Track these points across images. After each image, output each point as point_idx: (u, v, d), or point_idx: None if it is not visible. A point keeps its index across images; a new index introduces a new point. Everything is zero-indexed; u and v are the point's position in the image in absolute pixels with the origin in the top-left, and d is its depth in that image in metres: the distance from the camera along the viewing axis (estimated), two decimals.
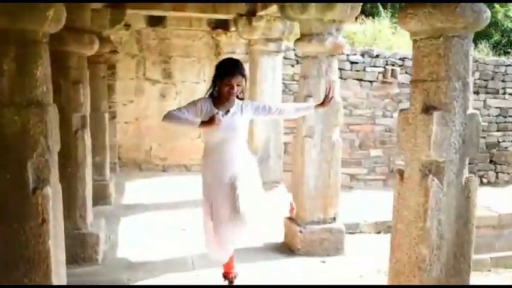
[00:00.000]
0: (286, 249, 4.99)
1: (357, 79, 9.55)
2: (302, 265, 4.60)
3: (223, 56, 8.80)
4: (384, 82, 9.88)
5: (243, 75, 3.54)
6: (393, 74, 9.90)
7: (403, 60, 9.94)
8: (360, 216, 6.30)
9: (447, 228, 2.87)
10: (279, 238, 5.19)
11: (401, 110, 3.07)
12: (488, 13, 2.84)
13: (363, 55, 9.70)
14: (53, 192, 2.52)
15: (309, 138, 4.80)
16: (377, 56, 9.86)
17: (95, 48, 4.53)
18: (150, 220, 5.90)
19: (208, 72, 9.26)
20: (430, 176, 2.81)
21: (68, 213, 4.29)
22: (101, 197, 6.42)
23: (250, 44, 6.84)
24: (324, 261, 4.69)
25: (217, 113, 3.36)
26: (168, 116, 3.38)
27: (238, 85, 3.47)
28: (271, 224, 3.84)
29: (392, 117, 9.84)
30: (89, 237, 4.42)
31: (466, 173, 2.91)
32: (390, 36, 12.22)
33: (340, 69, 9.47)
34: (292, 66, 8.80)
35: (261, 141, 6.86)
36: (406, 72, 9.91)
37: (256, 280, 4.09)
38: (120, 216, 6.00)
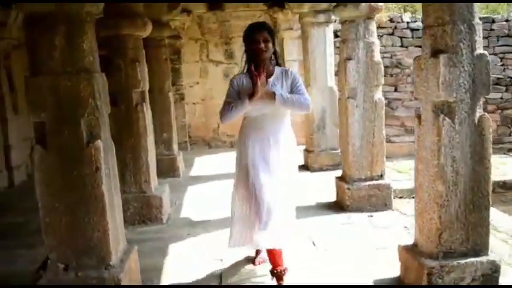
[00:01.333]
0: (337, 206, 5.27)
1: (419, 46, 9.46)
2: (350, 219, 4.87)
3: (282, 33, 9.14)
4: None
5: (270, 32, 3.28)
6: None
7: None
8: None
9: (462, 165, 3.04)
10: (332, 197, 5.48)
11: (415, 58, 3.26)
12: None
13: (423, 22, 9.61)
14: (105, 147, 2.97)
15: (352, 100, 5.02)
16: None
17: (148, 30, 4.99)
18: (212, 188, 6.36)
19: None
20: (441, 115, 2.99)
21: (134, 178, 4.89)
22: (170, 169, 7.02)
23: (301, 18, 7.09)
24: (371, 215, 4.92)
25: (254, 73, 3.13)
26: (223, 116, 3.26)
27: (265, 41, 3.21)
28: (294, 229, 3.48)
29: None
30: (153, 199, 4.95)
31: (479, 112, 3.05)
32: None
33: (401, 37, 9.50)
34: None
35: (317, 110, 7.10)
36: None
37: (309, 233, 4.41)
38: (187, 185, 6.53)
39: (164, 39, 7.14)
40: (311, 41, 7.02)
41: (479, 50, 2.99)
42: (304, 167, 7.36)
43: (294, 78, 3.33)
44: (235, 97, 3.25)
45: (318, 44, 6.97)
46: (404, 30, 9.49)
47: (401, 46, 9.51)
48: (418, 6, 11.00)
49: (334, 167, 6.84)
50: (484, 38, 9.52)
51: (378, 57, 5.00)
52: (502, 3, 11.05)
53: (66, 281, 2.93)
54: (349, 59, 4.98)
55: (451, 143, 3.01)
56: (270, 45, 3.25)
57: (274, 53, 3.35)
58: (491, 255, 3.15)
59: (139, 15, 4.84)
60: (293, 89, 3.30)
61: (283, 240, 3.28)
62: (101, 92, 3.00)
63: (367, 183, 5.09)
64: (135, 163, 4.89)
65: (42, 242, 3.00)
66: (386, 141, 9.23)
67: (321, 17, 6.83)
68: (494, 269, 3.11)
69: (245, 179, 3.32)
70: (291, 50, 9.25)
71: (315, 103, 6.99)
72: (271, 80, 3.27)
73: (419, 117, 3.24)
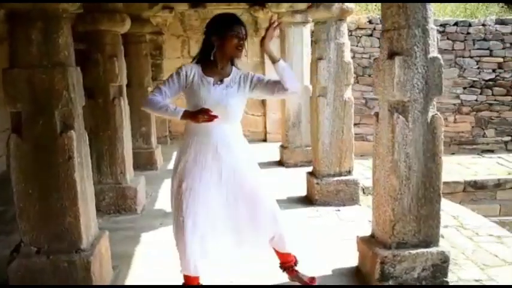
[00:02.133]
0: (307, 200, 5.49)
1: None
2: (318, 213, 5.08)
3: (262, 32, 9.28)
4: None
5: (246, 31, 2.96)
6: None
7: (444, 27, 9.98)
8: None
9: (415, 161, 3.24)
10: (303, 192, 5.69)
11: (374, 59, 3.46)
12: None
13: None
14: (78, 137, 3.12)
15: (322, 98, 5.22)
16: None
17: (126, 26, 5.14)
18: None
19: (249, 47, 9.72)
20: (396, 114, 3.20)
21: (110, 169, 5.05)
22: (147, 163, 7.19)
23: (279, 17, 7.26)
24: (338, 210, 5.14)
25: (205, 112, 2.72)
26: (147, 104, 2.91)
27: (244, 39, 2.92)
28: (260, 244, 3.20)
29: None
30: (127, 190, 5.12)
31: (432, 112, 3.26)
32: (435, 4, 12.16)
33: (380, 38, 9.73)
34: None
35: (293, 108, 7.30)
36: (448, 39, 9.98)
37: None
38: (163, 178, 6.66)
39: (145, 35, 7.28)
40: (288, 41, 7.21)
41: (433, 54, 3.20)
42: (279, 163, 7.58)
43: (255, 77, 3.01)
44: (174, 91, 2.90)
45: (295, 43, 7.16)
46: None
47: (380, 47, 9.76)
48: None
49: (309, 163, 6.97)
50: (460, 41, 9.86)
51: (348, 57, 5.21)
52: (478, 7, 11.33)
53: (38, 263, 3.08)
54: (320, 58, 5.18)
55: (405, 140, 3.21)
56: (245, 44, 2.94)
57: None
58: (442, 247, 3.36)
59: (117, 11, 4.98)
60: (263, 84, 2.99)
61: (283, 243, 3.25)
62: (75, 85, 3.15)
63: (336, 178, 5.30)
64: (112, 155, 5.05)
65: (18, 230, 3.14)
66: (363, 140, 9.57)
67: (298, 17, 7.02)
68: (444, 259, 3.32)
69: (195, 184, 2.92)
70: (271, 49, 9.40)
71: (291, 101, 7.22)
72: (227, 80, 2.92)
73: (377, 115, 3.45)
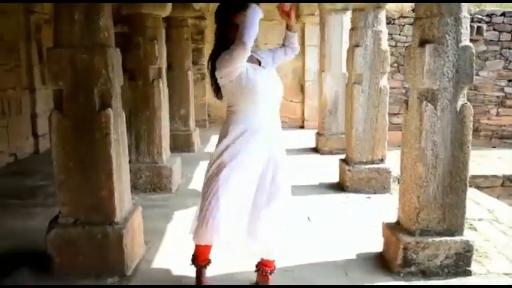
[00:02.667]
0: (338, 187, 5.54)
1: None
2: (348, 199, 5.13)
3: (304, 19, 9.32)
4: (469, 40, 9.76)
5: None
6: (479, 31, 9.76)
7: (490, 17, 9.76)
8: None
9: (442, 149, 3.26)
10: (335, 179, 5.74)
11: (406, 47, 3.47)
12: None
13: None
14: (115, 115, 3.27)
15: (357, 85, 5.24)
16: None
17: (167, 10, 5.27)
18: None
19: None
20: (424, 101, 3.22)
21: (148, 149, 5.24)
22: (185, 145, 7.39)
23: (319, 4, 7.29)
24: (369, 197, 5.17)
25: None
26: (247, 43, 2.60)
27: None
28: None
29: (478, 75, 9.78)
30: (163, 169, 5.30)
31: (462, 101, 3.26)
32: None
33: None
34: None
35: (330, 95, 7.33)
36: (495, 29, 9.74)
37: (306, 209, 4.70)
38: (200, 160, 6.84)
39: (186, 19, 7.43)
40: (328, 28, 7.23)
41: (465, 42, 3.20)
42: (314, 150, 7.64)
43: (272, 51, 3.01)
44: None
45: (335, 30, 7.17)
46: None
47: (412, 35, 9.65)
48: None
49: (344, 150, 6.99)
50: (507, 32, 9.75)
51: (385, 45, 5.20)
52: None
53: (74, 234, 3.27)
54: (357, 46, 5.20)
55: (433, 128, 3.23)
56: None
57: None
58: (466, 236, 3.37)
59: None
60: (278, 53, 3.03)
61: (271, 250, 3.03)
62: (114, 65, 3.29)
63: (368, 166, 5.33)
64: (149, 135, 5.23)
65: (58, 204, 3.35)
66: (399, 129, 9.49)
67: (339, 5, 7.01)
68: (468, 248, 3.34)
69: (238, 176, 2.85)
70: (311, 36, 9.45)
71: (328, 88, 7.26)
72: (264, 62, 2.90)
73: (406, 102, 3.47)
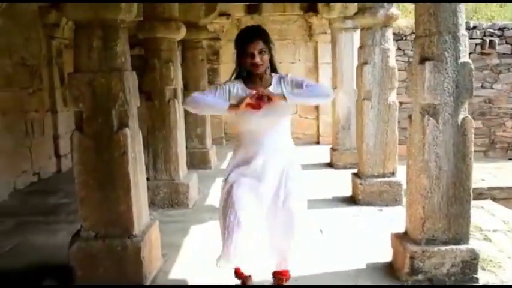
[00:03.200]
0: (351, 200, 5.67)
1: None
2: (360, 212, 5.25)
3: (316, 37, 9.53)
4: (482, 53, 9.87)
5: (266, 41, 2.89)
6: (492, 45, 9.85)
7: (503, 31, 9.85)
8: None
9: (445, 161, 3.38)
10: (348, 193, 5.87)
11: (408, 64, 3.62)
12: None
13: None
14: (132, 134, 3.47)
15: (367, 101, 5.39)
16: (474, 27, 9.87)
17: (182, 34, 5.51)
18: None
19: (303, 52, 10.06)
20: (426, 116, 3.35)
21: (165, 167, 5.44)
22: (202, 162, 7.61)
23: (330, 23, 7.49)
24: (381, 210, 5.29)
25: (249, 94, 2.80)
26: (189, 100, 2.93)
27: (261, 52, 2.84)
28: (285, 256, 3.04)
29: (492, 88, 9.86)
30: (180, 186, 5.50)
31: (463, 114, 3.39)
32: (495, 8, 11.97)
33: None
34: None
35: (343, 111, 7.49)
36: (507, 43, 9.83)
37: (319, 222, 4.84)
38: (216, 177, 7.02)
39: (201, 41, 7.69)
40: (339, 46, 7.42)
41: (464, 59, 3.33)
42: (328, 165, 7.78)
43: (294, 79, 2.98)
44: (220, 96, 2.92)
45: (346, 48, 7.35)
46: None
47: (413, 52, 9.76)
48: None
49: (357, 165, 7.18)
50: None
51: (392, 62, 5.35)
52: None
53: (95, 247, 3.46)
54: (365, 63, 5.36)
55: (435, 141, 3.36)
56: (266, 56, 2.89)
57: (271, 59, 2.96)
58: (472, 244, 3.48)
59: (173, 20, 5.36)
60: (296, 92, 2.94)
61: (287, 260, 3.07)
62: (131, 87, 3.50)
63: (379, 179, 5.45)
64: (166, 153, 5.44)
65: (79, 220, 3.54)
66: None
67: (349, 23, 7.20)
68: (474, 256, 3.43)
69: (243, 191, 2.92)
70: (324, 53, 9.64)
71: (341, 105, 7.42)
72: (270, 88, 2.92)
73: (410, 117, 3.61)
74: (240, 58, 2.93)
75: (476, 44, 9.80)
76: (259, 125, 2.88)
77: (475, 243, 3.60)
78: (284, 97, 2.81)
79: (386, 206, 5.36)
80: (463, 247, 3.43)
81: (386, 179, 5.44)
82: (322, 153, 8.48)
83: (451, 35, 3.29)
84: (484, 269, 3.65)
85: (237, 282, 3.22)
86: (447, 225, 3.44)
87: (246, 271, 3.08)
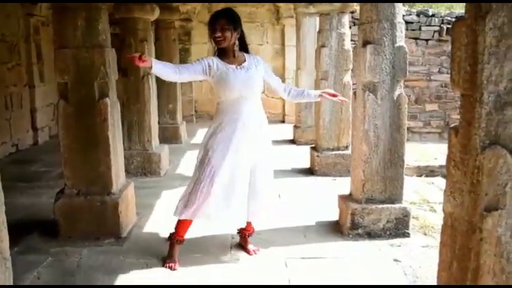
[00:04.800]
0: (308, 172, 6.25)
1: (413, 38, 10.18)
2: (316, 181, 5.83)
3: (283, 21, 10.01)
4: (439, 40, 10.47)
5: (230, 20, 3.28)
6: (449, 32, 10.45)
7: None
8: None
9: (382, 131, 3.95)
10: (307, 165, 6.44)
11: (353, 48, 4.17)
12: None
13: (418, 15, 10.35)
14: (112, 104, 3.93)
15: (324, 81, 5.95)
16: (432, 15, 10.44)
17: (156, 15, 5.95)
18: None
19: (271, 34, 10.55)
20: (367, 92, 3.91)
21: (139, 138, 5.90)
22: (173, 137, 8.07)
23: (295, 8, 7.98)
24: (334, 179, 5.87)
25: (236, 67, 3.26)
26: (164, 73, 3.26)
27: (222, 30, 3.24)
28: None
29: (448, 73, 10.47)
30: (153, 155, 5.99)
31: (398, 91, 3.95)
32: None
33: None
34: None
35: None
36: None
37: (278, 189, 5.30)
38: (186, 150, 7.53)
39: (174, 22, 8.11)
40: (303, 30, 7.93)
41: (400, 43, 3.88)
42: (291, 141, 8.34)
43: (265, 66, 3.50)
44: (193, 69, 3.29)
45: (309, 32, 7.86)
46: None
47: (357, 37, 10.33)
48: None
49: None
50: None
51: (348, 45, 5.91)
52: None
53: (77, 202, 3.94)
54: (323, 46, 5.90)
55: (374, 114, 3.92)
56: (229, 33, 3.27)
57: (241, 39, 3.40)
58: (404, 204, 4.07)
59: (148, 1, 5.78)
60: (266, 75, 3.47)
61: (255, 218, 3.60)
62: (111, 62, 3.96)
63: (334, 152, 6.04)
64: (140, 125, 5.91)
65: (60, 185, 4.01)
66: None
67: (312, 9, 7.67)
68: (405, 213, 4.03)
69: (222, 156, 3.31)
70: (291, 36, 10.13)
71: (304, 85, 7.90)
72: (245, 64, 3.35)
73: (355, 93, 4.16)
74: (210, 37, 3.37)
75: (434, 31, 10.36)
76: (239, 94, 3.30)
77: (421, 212, 4.20)
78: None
79: (340, 176, 5.94)
80: (396, 206, 4.02)
81: (340, 152, 6.03)
82: (287, 131, 9.03)
83: (389, 22, 3.83)
84: (425, 234, 4.18)
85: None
86: (383, 187, 4.02)
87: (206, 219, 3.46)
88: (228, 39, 3.30)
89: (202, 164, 3.37)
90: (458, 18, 2.06)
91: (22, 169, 6.43)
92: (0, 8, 7.19)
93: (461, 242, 1.98)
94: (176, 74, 3.24)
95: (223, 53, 3.37)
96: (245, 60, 3.38)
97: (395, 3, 3.85)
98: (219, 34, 3.26)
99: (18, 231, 4.09)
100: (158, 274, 3.39)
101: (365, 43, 3.90)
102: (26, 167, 6.54)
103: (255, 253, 3.75)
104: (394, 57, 3.87)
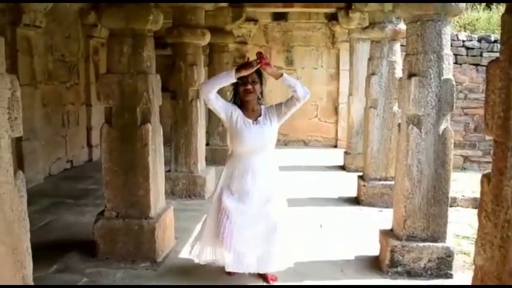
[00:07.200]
0: (354, 201, 6.09)
1: (473, 64, 9.83)
2: (361, 211, 5.69)
3: (339, 45, 9.94)
4: None
5: (259, 74, 3.45)
6: None
7: None
8: (459, 192, 6.69)
9: (426, 166, 3.80)
10: (354, 193, 6.30)
11: (399, 79, 4.06)
12: (461, 4, 3.70)
13: (479, 41, 9.99)
14: (153, 129, 3.99)
15: (373, 109, 5.82)
16: (495, 41, 10.06)
17: (207, 39, 6.03)
18: None
19: (326, 58, 10.50)
20: (411, 125, 3.78)
21: (185, 160, 5.96)
22: (222, 158, 8.02)
23: (349, 33, 7.91)
24: (381, 211, 5.69)
25: (250, 62, 3.32)
26: (205, 82, 3.79)
27: (254, 82, 3.40)
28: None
29: None
30: (198, 178, 6.04)
31: (444, 125, 3.80)
32: None
33: (455, 54, 9.98)
34: None
35: (357, 117, 7.89)
36: None
37: (320, 218, 5.34)
38: None
39: (227, 45, 8.21)
40: (356, 55, 7.83)
41: (447, 76, 3.74)
42: (341, 168, 8.20)
43: (274, 106, 3.54)
44: (221, 103, 3.44)
45: (362, 57, 7.71)
46: (459, 48, 9.95)
47: (456, 63, 9.97)
48: (477, 25, 11.40)
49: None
50: None
51: (398, 74, 5.73)
52: None
53: (116, 225, 4.00)
54: (373, 74, 5.79)
55: (417, 148, 3.78)
56: (258, 86, 3.45)
57: (260, 93, 3.55)
58: (448, 243, 3.88)
59: (199, 27, 5.88)
60: (282, 105, 3.50)
61: (266, 265, 3.56)
62: (154, 88, 4.03)
63: (381, 182, 5.87)
64: (187, 148, 5.99)
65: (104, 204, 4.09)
66: None
67: (364, 35, 7.57)
68: (449, 254, 3.84)
69: (218, 205, 3.54)
70: (346, 61, 9.99)
71: (355, 111, 7.83)
72: (260, 119, 3.44)
73: (399, 126, 4.04)
74: (236, 86, 3.50)
75: (496, 58, 9.98)
76: (252, 149, 3.45)
77: (473, 248, 3.96)
78: (281, 74, 3.42)
79: (387, 207, 5.72)
80: (439, 245, 3.84)
81: (388, 182, 5.83)
82: (338, 156, 8.89)
83: (435, 54, 3.71)
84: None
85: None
86: (426, 224, 3.86)
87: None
88: (257, 91, 3.48)
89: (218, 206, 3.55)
90: (493, 60, 1.95)
91: (73, 186, 6.66)
92: (61, 30, 7.53)
93: None
94: (213, 95, 3.37)
95: (243, 105, 3.50)
96: (261, 115, 3.48)
97: (442, 34, 3.71)
98: (250, 87, 3.40)
99: (58, 249, 4.22)
100: None
101: (410, 75, 3.78)
102: (77, 184, 6.77)
103: (273, 281, 3.68)
104: (441, 90, 3.73)
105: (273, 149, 3.61)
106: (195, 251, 3.70)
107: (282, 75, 3.44)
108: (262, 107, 3.55)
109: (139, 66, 3.95)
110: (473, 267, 3.97)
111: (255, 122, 3.44)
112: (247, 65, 3.34)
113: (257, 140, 3.43)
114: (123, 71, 3.93)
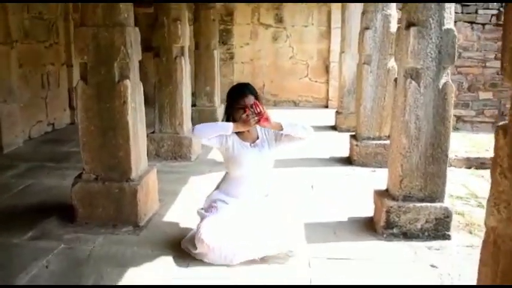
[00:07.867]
0: (347, 161, 5.90)
1: (468, 21, 9.55)
2: (354, 171, 5.49)
3: (330, 4, 9.60)
4: (497, 25, 9.76)
5: (256, 97, 3.26)
6: None
7: None
8: (453, 152, 6.36)
9: (425, 123, 3.57)
10: (346, 153, 6.09)
11: (396, 30, 3.78)
12: None
13: None
14: (133, 86, 3.71)
15: (366, 65, 5.55)
16: None
17: None
18: None
19: (317, 16, 10.14)
20: (409, 79, 3.53)
21: (170, 121, 5.70)
22: (210, 119, 7.76)
23: None
24: (374, 171, 5.50)
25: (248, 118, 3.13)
26: (198, 127, 3.25)
27: (253, 106, 3.16)
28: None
29: None
30: (184, 139, 5.79)
31: (445, 79, 3.55)
32: None
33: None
34: None
35: (349, 76, 7.63)
36: None
37: (312, 179, 5.14)
38: None
39: (213, 2, 7.82)
40: (348, 11, 7.52)
41: (448, 26, 3.47)
42: (333, 128, 7.98)
43: (275, 131, 3.34)
44: (214, 139, 3.28)
45: (354, 14, 7.40)
46: (454, 4, 9.65)
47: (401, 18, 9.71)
48: None
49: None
50: None
51: (394, 28, 5.45)
52: None
53: (95, 188, 3.77)
54: (367, 28, 5.49)
55: (416, 103, 3.54)
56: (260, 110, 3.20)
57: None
58: (445, 203, 3.69)
59: None
60: (278, 137, 3.36)
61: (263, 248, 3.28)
62: (133, 42, 3.72)
63: (375, 142, 5.66)
64: (172, 108, 5.71)
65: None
66: None
67: None
68: (447, 214, 3.65)
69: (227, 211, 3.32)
70: (337, 19, 9.67)
71: (347, 69, 7.56)
72: (258, 142, 3.33)
73: (396, 80, 3.79)
74: (230, 110, 3.29)
75: (492, 15, 9.69)
76: (248, 172, 3.31)
77: (467, 208, 3.81)
78: (281, 126, 3.23)
79: (380, 167, 5.54)
80: (437, 205, 3.65)
81: (381, 141, 5.63)
82: (329, 116, 8.66)
83: (436, 2, 3.43)
84: (470, 233, 3.84)
85: None
86: (423, 184, 3.66)
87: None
88: (257, 116, 3.20)
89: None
90: None
91: (54, 149, 6.40)
92: None
93: (504, 263, 1.64)
94: (205, 140, 3.28)
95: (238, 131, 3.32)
96: (258, 137, 3.36)
97: None
98: (250, 112, 3.15)
99: (36, 214, 4.01)
100: (168, 270, 3.15)
101: (408, 25, 3.51)
102: (59, 147, 6.51)
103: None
104: (441, 41, 3.47)
105: (271, 170, 3.48)
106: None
107: (282, 127, 3.24)
108: (258, 128, 3.35)
109: (116, 17, 3.63)
110: (467, 227, 3.94)
111: (252, 145, 3.33)
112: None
113: (256, 163, 3.30)
114: (98, 23, 3.62)
